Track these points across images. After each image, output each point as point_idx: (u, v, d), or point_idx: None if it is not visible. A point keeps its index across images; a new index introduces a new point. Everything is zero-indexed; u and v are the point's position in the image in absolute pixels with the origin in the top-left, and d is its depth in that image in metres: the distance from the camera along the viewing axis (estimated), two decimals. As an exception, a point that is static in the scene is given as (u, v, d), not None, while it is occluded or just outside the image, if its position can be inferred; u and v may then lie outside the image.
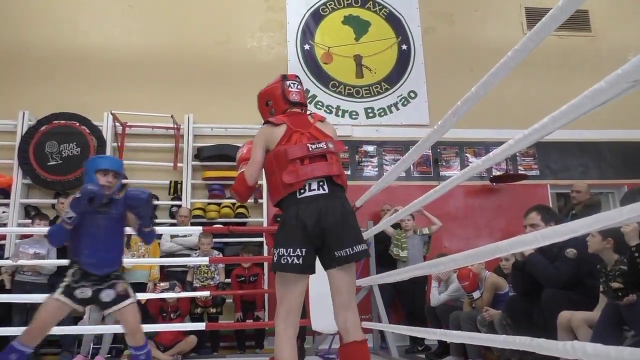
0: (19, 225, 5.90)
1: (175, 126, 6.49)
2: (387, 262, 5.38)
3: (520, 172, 6.97)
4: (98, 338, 4.95)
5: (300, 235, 1.98)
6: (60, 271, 5.00)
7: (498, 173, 6.82)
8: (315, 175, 2.08)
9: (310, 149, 2.11)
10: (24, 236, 5.35)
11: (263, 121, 2.37)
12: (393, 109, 7.20)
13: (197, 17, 7.17)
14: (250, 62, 7.09)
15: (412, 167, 6.81)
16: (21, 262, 4.61)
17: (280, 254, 1.97)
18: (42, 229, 4.89)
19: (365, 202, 4.35)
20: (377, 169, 6.94)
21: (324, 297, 3.21)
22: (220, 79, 6.93)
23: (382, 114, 7.18)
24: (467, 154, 7.09)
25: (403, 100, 7.24)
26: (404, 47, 7.46)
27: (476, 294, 4.10)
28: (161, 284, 5.07)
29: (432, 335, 3.39)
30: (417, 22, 7.56)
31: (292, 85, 2.36)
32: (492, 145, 6.55)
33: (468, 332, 3.39)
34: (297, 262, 1.96)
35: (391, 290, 5.41)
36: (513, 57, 1.73)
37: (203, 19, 7.17)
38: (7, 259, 5.09)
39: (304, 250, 1.97)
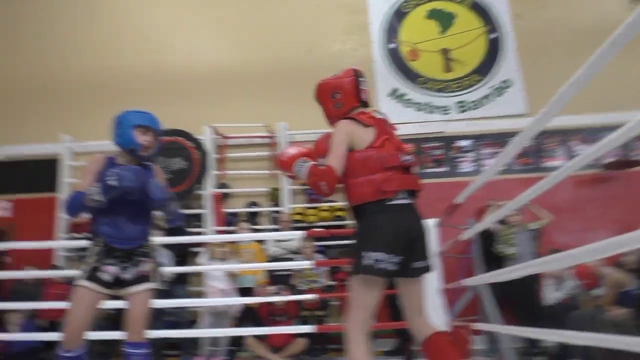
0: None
1: (271, 134, 6.72)
2: (492, 260, 5.20)
3: (635, 158, 6.43)
4: (215, 340, 5.24)
5: (396, 241, 1.97)
6: (177, 276, 5.40)
7: (609, 160, 6.35)
8: (409, 187, 2.10)
9: (402, 160, 2.12)
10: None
11: (333, 115, 2.27)
12: (486, 100, 6.95)
13: (283, 28, 7.38)
14: (337, 66, 7.05)
15: (512, 160, 6.52)
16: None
17: (376, 258, 1.91)
18: (159, 239, 5.28)
19: (466, 198, 4.24)
20: (473, 164, 6.73)
21: (432, 299, 3.15)
22: (309, 85, 6.96)
23: (475, 106, 6.96)
24: (572, 142, 6.67)
25: (496, 90, 6.97)
26: (493, 35, 7.19)
27: (597, 292, 3.85)
28: (268, 288, 5.27)
29: (554, 337, 3.23)
30: (505, 8, 7.25)
31: (363, 83, 2.30)
32: (598, 131, 6.13)
33: (599, 334, 3.19)
34: (392, 268, 1.95)
35: (498, 290, 5.21)
36: (624, 34, 1.58)
37: (289, 29, 7.36)
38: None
39: (398, 257, 1.97)
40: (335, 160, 2.04)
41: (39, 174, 6.74)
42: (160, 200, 2.48)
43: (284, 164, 2.23)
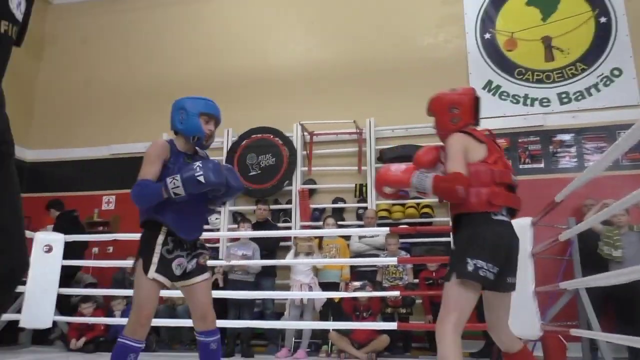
0: (229, 230, 6.66)
1: (358, 131, 6.69)
2: (594, 262, 4.77)
3: None
4: (299, 333, 5.33)
5: (498, 254, 2.06)
6: (265, 270, 5.56)
7: None
8: (514, 205, 2.22)
9: (513, 180, 2.24)
10: (232, 239, 6.02)
11: (450, 128, 2.31)
12: (593, 90, 6.39)
13: (372, 24, 7.32)
14: (427, 59, 6.98)
15: (620, 155, 5.94)
16: (233, 262, 5.20)
17: (479, 265, 2.00)
18: (248, 232, 5.48)
19: (567, 196, 3.92)
20: (575, 160, 6.23)
21: (524, 301, 2.95)
22: (398, 80, 6.95)
23: (580, 97, 6.42)
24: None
25: (605, 79, 6.38)
26: (603, 19, 6.59)
27: None
28: (353, 283, 5.25)
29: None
30: (618, -11, 6.61)
31: (480, 104, 2.40)
32: None
33: None
34: (492, 277, 2.03)
35: (601, 295, 4.79)
36: None
37: (379, 24, 7.29)
38: (221, 259, 5.79)
39: (497, 268, 2.04)
40: (459, 166, 2.13)
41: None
42: (238, 191, 2.46)
43: (398, 180, 2.27)
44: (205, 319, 2.43)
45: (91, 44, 8.43)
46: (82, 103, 8.19)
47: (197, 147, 2.51)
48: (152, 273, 2.29)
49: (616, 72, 6.35)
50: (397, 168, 2.31)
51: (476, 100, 2.34)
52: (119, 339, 2.31)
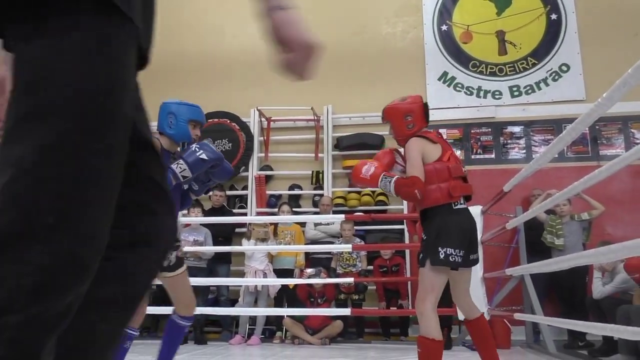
0: (183, 216, 6.55)
1: (315, 118, 6.70)
2: (539, 250, 4.99)
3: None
4: (253, 319, 5.33)
5: (463, 239, 2.41)
6: (220, 256, 5.52)
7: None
8: (469, 193, 2.58)
9: (463, 171, 2.58)
10: (186, 225, 5.93)
11: (403, 134, 2.62)
12: (542, 85, 6.63)
13: (332, 11, 7.28)
14: (386, 49, 7.04)
15: (565, 148, 6.21)
16: (187, 248, 5.12)
17: (449, 252, 2.34)
18: (199, 218, 5.40)
19: (514, 186, 4.07)
20: (524, 151, 6.46)
21: (473, 288, 3.07)
22: (356, 68, 6.99)
23: (530, 91, 6.65)
24: (632, 130, 6.27)
25: (554, 74, 6.62)
26: (554, 16, 6.81)
27: (649, 287, 3.62)
28: (307, 270, 5.29)
29: (600, 330, 3.06)
30: (569, -14, 6.84)
31: (428, 109, 2.70)
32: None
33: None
34: (460, 261, 2.38)
35: (546, 281, 5.03)
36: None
37: (339, 11, 7.27)
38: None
39: (463, 251, 2.39)
40: (416, 171, 2.45)
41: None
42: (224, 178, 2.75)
43: (368, 181, 2.56)
44: (189, 306, 2.62)
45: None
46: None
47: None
48: None
49: (564, 68, 6.60)
50: (366, 170, 2.57)
51: (425, 107, 2.65)
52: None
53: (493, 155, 6.52)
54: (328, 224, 5.70)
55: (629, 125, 6.28)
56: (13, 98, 0.74)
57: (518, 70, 6.74)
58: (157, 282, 3.09)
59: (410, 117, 2.58)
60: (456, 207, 2.47)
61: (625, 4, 6.57)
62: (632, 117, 6.21)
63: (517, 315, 4.18)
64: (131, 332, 2.51)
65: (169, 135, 2.57)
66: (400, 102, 2.65)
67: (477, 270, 4.24)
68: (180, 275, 2.56)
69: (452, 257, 2.35)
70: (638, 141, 6.06)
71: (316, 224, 5.74)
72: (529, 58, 6.76)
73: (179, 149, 2.64)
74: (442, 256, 2.35)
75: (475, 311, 2.57)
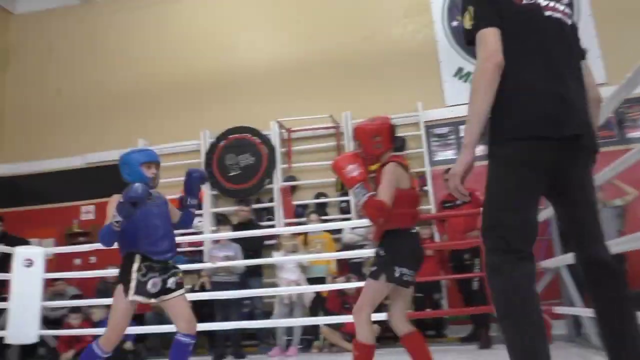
0: (212, 232, 6.64)
1: (335, 125, 6.72)
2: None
3: None
4: (290, 330, 5.35)
5: (415, 261, 2.60)
6: (251, 270, 5.57)
7: None
8: (421, 219, 2.79)
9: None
10: (216, 242, 6.00)
11: (380, 158, 2.68)
12: (561, 72, 6.52)
13: (342, 17, 7.35)
14: (398, 50, 7.05)
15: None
16: (219, 264, 5.18)
17: (404, 272, 2.51)
18: (229, 233, 5.45)
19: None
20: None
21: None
22: (371, 72, 7.00)
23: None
24: (659, 110, 6.13)
25: (572, 60, 6.51)
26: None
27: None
28: (339, 278, 5.28)
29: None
30: (581, -32, 6.73)
31: (395, 131, 2.79)
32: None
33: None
34: (410, 280, 2.56)
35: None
36: None
37: (348, 18, 7.33)
38: (205, 262, 5.76)
39: (413, 272, 2.57)
40: (388, 198, 2.53)
41: (119, 177, 7.19)
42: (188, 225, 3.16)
43: (346, 179, 2.60)
44: (190, 323, 2.84)
45: (58, 53, 8.27)
46: (53, 113, 8.04)
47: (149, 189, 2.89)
48: (132, 295, 2.74)
49: (582, 53, 6.48)
50: (351, 170, 2.60)
51: (392, 128, 2.75)
52: (92, 344, 2.78)
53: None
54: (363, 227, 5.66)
55: (656, 106, 6.14)
56: None
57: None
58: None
59: (378, 138, 2.67)
60: (412, 232, 2.65)
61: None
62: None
63: (557, 309, 4.10)
64: (102, 354, 2.75)
65: (130, 181, 2.83)
66: (369, 123, 2.75)
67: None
68: (178, 298, 2.86)
69: (405, 277, 2.52)
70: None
71: (352, 228, 5.72)
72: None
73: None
74: (397, 274, 2.51)
75: (409, 327, 2.69)
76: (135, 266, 2.78)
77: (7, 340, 5.15)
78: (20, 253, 5.26)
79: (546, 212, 4.24)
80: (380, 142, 2.67)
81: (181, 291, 2.89)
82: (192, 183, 3.12)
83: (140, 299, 2.75)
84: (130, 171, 2.88)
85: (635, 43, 6.04)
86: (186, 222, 3.20)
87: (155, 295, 2.81)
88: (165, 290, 2.84)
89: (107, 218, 2.78)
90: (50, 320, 5.89)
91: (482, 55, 1.64)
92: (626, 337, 1.61)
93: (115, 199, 2.78)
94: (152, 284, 2.79)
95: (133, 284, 2.74)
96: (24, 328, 5.07)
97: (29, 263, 5.23)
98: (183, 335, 2.82)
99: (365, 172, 2.62)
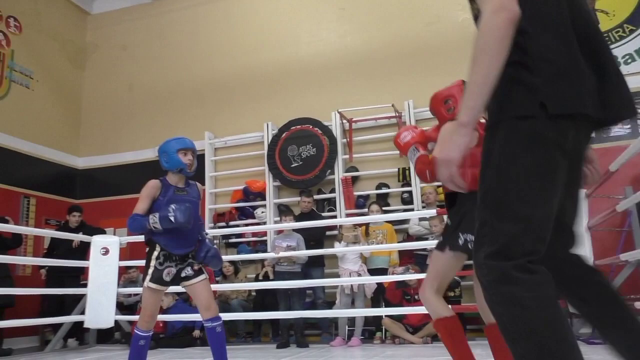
0: (275, 222, 6.73)
1: (397, 114, 6.60)
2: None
3: None
4: (351, 321, 5.34)
5: None
6: (313, 260, 5.60)
7: None
8: None
9: None
10: (279, 232, 6.08)
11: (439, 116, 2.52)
12: (643, 52, 6.07)
13: (403, 4, 7.18)
14: (464, 35, 6.78)
15: (678, 118, 5.63)
16: (282, 254, 5.25)
17: (469, 239, 2.22)
18: (292, 224, 5.50)
19: (621, 165, 3.76)
20: (629, 127, 5.92)
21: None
22: (434, 59, 6.80)
23: (629, 60, 6.11)
24: None
25: (656, 40, 6.04)
26: (650, -24, 6.22)
27: None
28: (397, 268, 5.21)
29: None
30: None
31: None
32: None
33: None
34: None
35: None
36: None
37: (409, 5, 7.16)
38: (269, 252, 5.85)
39: None
40: (437, 153, 2.24)
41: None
42: (214, 264, 3.14)
43: (400, 147, 2.53)
44: (209, 309, 2.99)
45: (131, 50, 8.65)
46: (126, 108, 8.44)
47: (186, 175, 3.07)
48: (147, 282, 2.94)
49: (668, 31, 6.00)
50: (404, 137, 2.52)
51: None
52: (134, 329, 3.02)
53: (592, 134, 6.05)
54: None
55: None
56: None
57: (614, 40, 6.22)
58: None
59: (450, 101, 2.48)
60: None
61: None
62: None
63: (639, 304, 3.83)
64: (142, 333, 2.94)
65: (167, 169, 3.02)
66: (441, 90, 2.59)
67: (587, 258, 3.95)
68: (197, 284, 3.01)
69: (471, 244, 2.18)
70: None
71: (421, 219, 5.62)
72: (624, 25, 6.22)
73: (183, 184, 3.08)
74: (461, 242, 2.25)
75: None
76: (155, 254, 2.96)
77: (86, 325, 5.49)
78: (97, 242, 5.59)
79: (626, 202, 3.97)
80: (453, 104, 2.49)
81: (200, 277, 3.03)
82: (206, 261, 3.10)
83: (154, 286, 2.92)
84: (168, 158, 2.99)
85: None
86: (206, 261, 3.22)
87: (170, 283, 2.98)
88: (184, 278, 3.01)
89: (140, 200, 2.94)
90: (124, 306, 6.22)
91: (491, 6, 1.22)
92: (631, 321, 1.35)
93: (152, 185, 2.97)
94: (167, 273, 2.94)
95: (150, 271, 2.92)
96: (101, 313, 5.38)
97: (105, 251, 5.54)
98: (207, 320, 2.97)
99: (422, 136, 2.52)
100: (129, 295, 6.29)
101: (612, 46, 6.11)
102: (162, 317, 5.51)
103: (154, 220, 2.84)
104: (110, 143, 8.36)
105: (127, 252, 6.40)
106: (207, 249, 3.09)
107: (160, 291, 2.99)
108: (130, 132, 8.25)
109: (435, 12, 7.02)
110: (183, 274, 3.02)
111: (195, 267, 3.05)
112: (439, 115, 2.53)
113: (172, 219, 2.80)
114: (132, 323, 5.79)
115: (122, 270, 6.14)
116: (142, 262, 6.18)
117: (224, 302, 5.95)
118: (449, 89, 2.54)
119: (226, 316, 5.34)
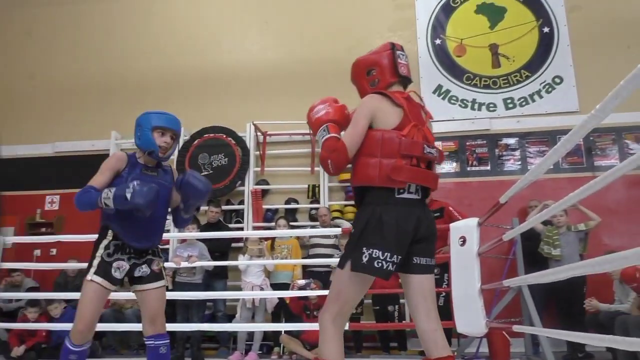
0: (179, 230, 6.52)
1: (311, 131, 6.70)
2: (536, 261, 4.99)
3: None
4: (250, 335, 5.28)
5: (399, 241, 1.84)
6: (216, 271, 5.48)
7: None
8: (421, 182, 1.94)
9: (425, 152, 1.96)
10: (183, 241, 5.91)
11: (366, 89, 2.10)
12: (536, 97, 6.68)
13: (327, 26, 7.37)
14: (380, 63, 7.09)
15: (560, 159, 6.24)
16: (183, 264, 5.09)
17: (375, 256, 1.79)
18: (195, 233, 5.36)
19: (510, 198, 4.07)
20: (519, 163, 6.49)
21: (470, 300, 3.04)
22: (351, 83, 7.01)
23: (524, 103, 6.69)
24: (626, 140, 6.31)
25: (547, 87, 6.68)
26: (546, 29, 6.89)
27: (647, 297, 3.61)
28: (298, 281, 5.25)
29: (599, 341, 3.03)
30: (560, 1, 6.92)
31: (401, 56, 2.08)
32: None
33: None
34: (390, 268, 1.81)
35: (544, 292, 5.02)
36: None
37: (333, 27, 7.35)
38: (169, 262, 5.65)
39: (399, 257, 1.84)
40: (350, 137, 1.91)
41: (88, 167, 7.03)
42: (197, 192, 2.50)
43: (312, 125, 2.13)
44: (154, 323, 2.49)
45: (36, 37, 8.07)
46: (25, 98, 7.83)
47: (157, 159, 2.53)
48: (91, 275, 2.36)
49: (557, 80, 6.66)
50: (317, 111, 2.11)
51: (393, 55, 2.05)
52: (65, 342, 2.41)
53: (489, 167, 6.54)
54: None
55: (623, 136, 6.32)
56: None
57: (512, 83, 6.80)
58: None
59: (374, 71, 2.05)
60: (400, 196, 1.88)
61: (617, 16, 6.66)
62: (626, 128, 6.26)
63: (516, 328, 4.12)
64: (72, 347, 2.35)
65: (138, 145, 2.51)
66: (365, 55, 2.15)
67: (475, 283, 4.21)
68: (151, 291, 2.48)
69: (377, 263, 1.79)
70: (632, 151, 6.10)
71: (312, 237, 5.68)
72: (522, 71, 6.82)
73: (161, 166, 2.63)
74: (365, 259, 1.81)
75: (437, 349, 1.92)
76: (104, 243, 2.41)
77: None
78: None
79: (512, 232, 4.30)
80: (378, 76, 2.03)
81: (158, 283, 2.50)
82: (193, 195, 2.54)
83: (99, 280, 2.34)
84: (141, 134, 2.46)
85: (609, 75, 6.21)
86: (177, 223, 2.74)
87: (120, 283, 2.43)
88: (137, 279, 2.47)
89: (100, 172, 2.40)
90: (3, 313, 5.70)
91: None
92: None
93: (117, 157, 2.48)
94: (117, 267, 2.39)
95: (96, 262, 2.37)
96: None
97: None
98: (148, 337, 2.50)
99: (339, 113, 2.08)
100: (10, 300, 5.77)
101: (510, 89, 6.70)
102: (49, 327, 5.11)
103: (107, 195, 2.26)
104: (3, 134, 7.68)
105: (13, 253, 5.89)
106: (183, 175, 2.52)
107: (106, 291, 2.37)
108: (27, 124, 7.64)
109: (356, 37, 7.26)
110: (137, 273, 2.44)
111: (155, 268, 2.50)
112: (361, 88, 2.13)
113: (128, 196, 2.21)
114: (8, 331, 5.32)
115: (4, 273, 5.64)
116: (27, 266, 5.77)
117: (118, 312, 5.65)
118: (374, 54, 2.11)
119: (119, 326, 5.08)
